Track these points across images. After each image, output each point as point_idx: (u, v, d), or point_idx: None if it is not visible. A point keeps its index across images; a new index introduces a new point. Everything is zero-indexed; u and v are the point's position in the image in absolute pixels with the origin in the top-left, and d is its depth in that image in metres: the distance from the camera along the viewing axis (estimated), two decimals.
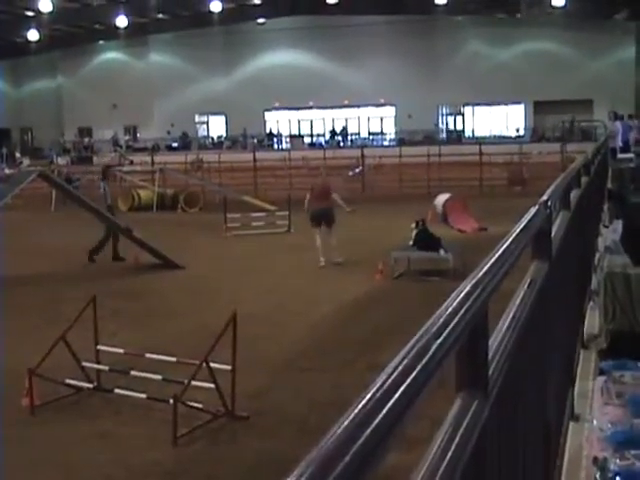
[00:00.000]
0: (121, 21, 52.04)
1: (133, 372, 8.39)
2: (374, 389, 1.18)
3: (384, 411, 1.14)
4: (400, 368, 1.25)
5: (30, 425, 7.92)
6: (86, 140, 66.06)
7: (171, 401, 7.27)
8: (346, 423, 1.07)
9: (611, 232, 8.24)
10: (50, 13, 46.65)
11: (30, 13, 50.81)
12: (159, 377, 8.14)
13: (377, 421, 1.11)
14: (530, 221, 2.91)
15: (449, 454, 1.45)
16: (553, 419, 3.69)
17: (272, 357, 9.92)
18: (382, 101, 61.16)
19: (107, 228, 17.14)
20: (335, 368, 9.30)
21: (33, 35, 54.18)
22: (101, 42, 64.07)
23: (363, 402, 1.14)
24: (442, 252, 14.49)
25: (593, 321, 6.77)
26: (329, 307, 12.58)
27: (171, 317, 12.22)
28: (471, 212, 21.53)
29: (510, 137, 57.24)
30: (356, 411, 1.11)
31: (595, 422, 4.32)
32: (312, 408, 7.88)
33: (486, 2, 50.72)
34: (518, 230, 2.62)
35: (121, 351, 8.88)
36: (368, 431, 1.07)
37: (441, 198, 22.05)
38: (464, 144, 49.88)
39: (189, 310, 12.66)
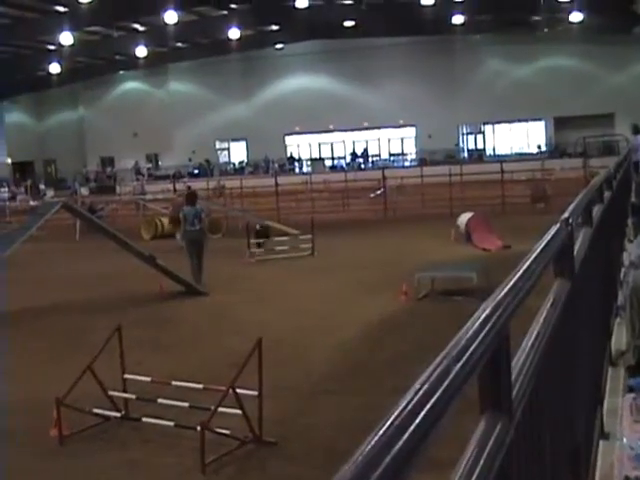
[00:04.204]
0: (141, 51, 52.50)
1: (160, 400, 8.39)
2: (395, 414, 1.18)
3: (406, 436, 1.14)
4: (421, 392, 1.25)
5: (59, 455, 7.94)
6: (108, 170, 66.65)
7: (199, 428, 7.26)
8: (368, 449, 1.07)
9: (636, 247, 8.17)
10: (71, 46, 47.15)
11: (51, 47, 51.43)
12: (186, 404, 8.14)
13: (399, 446, 1.11)
14: (551, 239, 2.89)
15: (474, 477, 1.45)
16: (582, 438, 3.65)
17: (298, 381, 9.90)
18: (402, 122, 61.22)
19: (190, 255, 17.26)
20: (361, 391, 9.26)
21: (55, 68, 54.79)
22: (121, 72, 64.76)
23: (384, 427, 1.14)
24: None
25: (620, 337, 6.70)
26: (354, 330, 12.54)
27: (196, 344, 12.23)
28: (494, 230, 21.45)
29: (531, 154, 57.10)
30: (377, 437, 1.11)
31: (625, 440, 4.27)
32: (340, 432, 7.84)
33: (503, 20, 50.75)
34: (539, 249, 2.61)
35: (148, 379, 8.89)
36: (389, 457, 1.07)
37: (464, 217, 21.99)
38: (485, 162, 49.81)
39: (214, 336, 12.67)
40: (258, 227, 23.63)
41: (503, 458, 1.64)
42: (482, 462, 1.53)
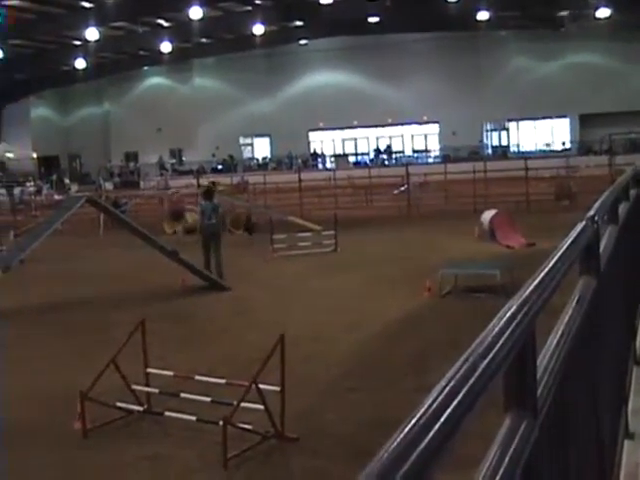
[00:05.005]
0: (165, 46, 52.69)
1: (183, 394, 8.42)
2: (422, 411, 1.18)
3: (432, 433, 1.13)
4: (447, 390, 1.24)
5: (83, 448, 7.99)
6: (132, 164, 66.99)
7: (221, 423, 7.28)
8: (394, 445, 1.07)
9: None
10: (96, 41, 47.44)
11: (77, 42, 51.74)
12: (208, 399, 8.16)
13: (425, 443, 1.10)
14: (577, 237, 2.87)
15: (498, 476, 1.44)
16: (607, 437, 3.63)
17: (320, 377, 9.90)
18: (425, 118, 61.09)
19: (206, 248, 17.47)
20: (383, 388, 9.25)
21: (80, 63, 55.13)
22: (146, 68, 65.03)
23: (411, 424, 1.13)
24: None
25: None
26: (377, 326, 12.53)
27: (219, 339, 12.27)
28: (518, 227, 21.36)
29: (556, 151, 56.79)
30: (403, 434, 1.10)
31: None
32: (361, 428, 7.84)
33: (529, 16, 50.45)
34: (565, 247, 2.59)
35: (170, 374, 8.93)
36: (415, 454, 1.07)
37: (487, 214, 21.91)
38: (510, 159, 49.57)
39: (237, 331, 12.70)
40: (245, 219, 26.77)
41: (528, 457, 1.63)
42: (507, 461, 1.52)
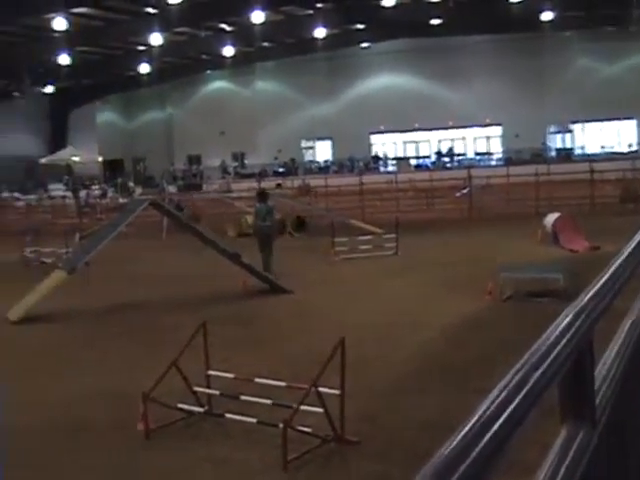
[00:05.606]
0: (228, 51, 53.22)
1: (243, 397, 8.47)
2: (474, 419, 1.17)
3: (484, 441, 1.13)
4: (498, 401, 1.23)
5: (146, 449, 8.09)
6: (194, 168, 67.72)
7: (281, 425, 7.31)
8: (447, 451, 1.07)
9: None
10: (160, 46, 48.12)
11: (141, 47, 52.54)
12: (269, 402, 8.20)
13: (477, 451, 1.10)
14: None
15: None
16: None
17: (380, 380, 9.88)
18: (488, 121, 60.44)
19: (262, 249, 17.74)
20: (443, 391, 9.19)
21: (144, 68, 56.02)
22: (208, 72, 65.68)
23: (463, 432, 1.13)
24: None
25: None
26: (438, 329, 12.46)
27: (280, 341, 12.32)
28: (582, 231, 21.04)
29: (622, 153, 55.72)
30: (455, 442, 1.10)
31: None
32: (422, 431, 7.79)
33: (594, 16, 49.62)
34: (627, 252, 2.54)
35: (231, 376, 8.99)
36: (468, 460, 1.07)
37: (550, 217, 21.64)
38: (574, 162, 48.82)
39: (297, 334, 12.73)
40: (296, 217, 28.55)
41: (585, 467, 1.61)
42: (562, 471, 1.50)
